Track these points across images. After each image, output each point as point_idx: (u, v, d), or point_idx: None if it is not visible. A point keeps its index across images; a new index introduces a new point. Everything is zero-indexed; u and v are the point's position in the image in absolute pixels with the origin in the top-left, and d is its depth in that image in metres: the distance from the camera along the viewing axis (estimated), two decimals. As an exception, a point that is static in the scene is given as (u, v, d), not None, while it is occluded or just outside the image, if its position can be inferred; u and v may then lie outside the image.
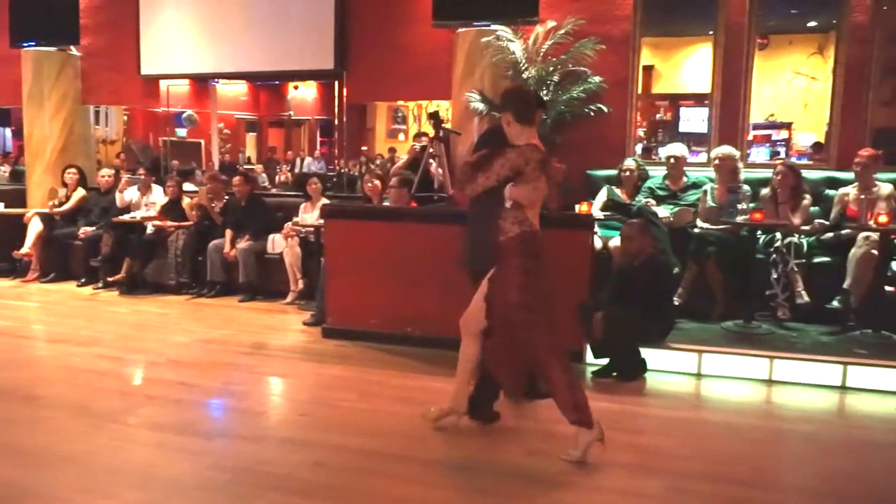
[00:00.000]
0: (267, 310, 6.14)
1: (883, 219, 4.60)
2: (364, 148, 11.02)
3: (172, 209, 6.96)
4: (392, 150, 11.36)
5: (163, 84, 8.47)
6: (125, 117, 12.48)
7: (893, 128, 6.07)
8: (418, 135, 9.54)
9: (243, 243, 6.50)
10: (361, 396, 3.98)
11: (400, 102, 11.73)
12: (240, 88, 12.73)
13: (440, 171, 5.94)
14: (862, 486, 3.00)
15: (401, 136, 12.43)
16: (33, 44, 7.99)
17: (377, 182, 6.22)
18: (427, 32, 6.60)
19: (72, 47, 8.05)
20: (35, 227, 7.26)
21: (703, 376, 4.39)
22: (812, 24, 7.62)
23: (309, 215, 6.39)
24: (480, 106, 5.99)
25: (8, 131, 13.15)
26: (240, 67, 8.06)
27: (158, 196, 7.24)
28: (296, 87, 12.73)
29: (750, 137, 6.52)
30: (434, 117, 5.24)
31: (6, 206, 7.58)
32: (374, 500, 2.76)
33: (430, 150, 5.70)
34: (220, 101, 10.55)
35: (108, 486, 2.82)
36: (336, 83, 7.71)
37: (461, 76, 6.28)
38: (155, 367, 4.52)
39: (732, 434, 3.54)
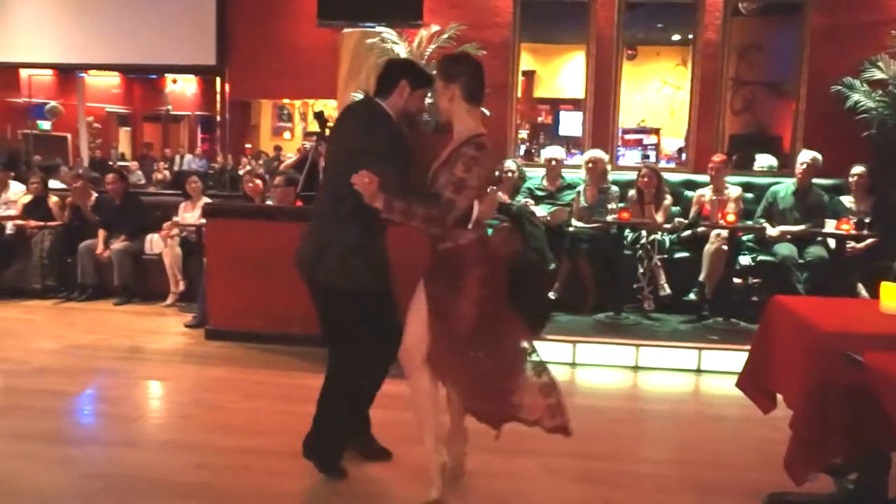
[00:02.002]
0: (145, 313, 5.93)
1: (731, 218, 5.11)
2: (248, 146, 10.80)
3: (37, 207, 6.54)
4: (278, 149, 11.20)
5: (23, 73, 7.92)
6: (-24, 108, 11.53)
7: (743, 135, 6.76)
8: (308, 134, 9.50)
9: (118, 244, 6.23)
10: (244, 397, 3.97)
11: (285, 101, 11.59)
12: (112, 80, 12.08)
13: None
14: (708, 453, 3.38)
15: (286, 135, 12.27)
16: None
17: (258, 181, 6.15)
18: (312, 31, 6.61)
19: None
20: None
21: (576, 365, 4.71)
22: (676, 37, 8.28)
23: (189, 214, 6.21)
24: (365, 107, 6.09)
25: None
26: (112, 59, 7.73)
27: (17, 193, 6.77)
28: (174, 82, 12.26)
29: (619, 143, 7.01)
30: (319, 117, 5.26)
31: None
32: (258, 498, 2.80)
33: (319, 148, 5.72)
34: (89, 92, 9.99)
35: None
36: (217, 79, 7.54)
37: (346, 76, 6.35)
38: (18, 375, 4.27)
39: (600, 416, 3.85)
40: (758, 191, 5.98)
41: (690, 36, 6.61)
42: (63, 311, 5.98)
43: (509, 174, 6.12)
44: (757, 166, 6.53)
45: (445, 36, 6.14)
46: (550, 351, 4.72)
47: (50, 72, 9.29)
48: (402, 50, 6.07)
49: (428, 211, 2.45)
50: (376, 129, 2.64)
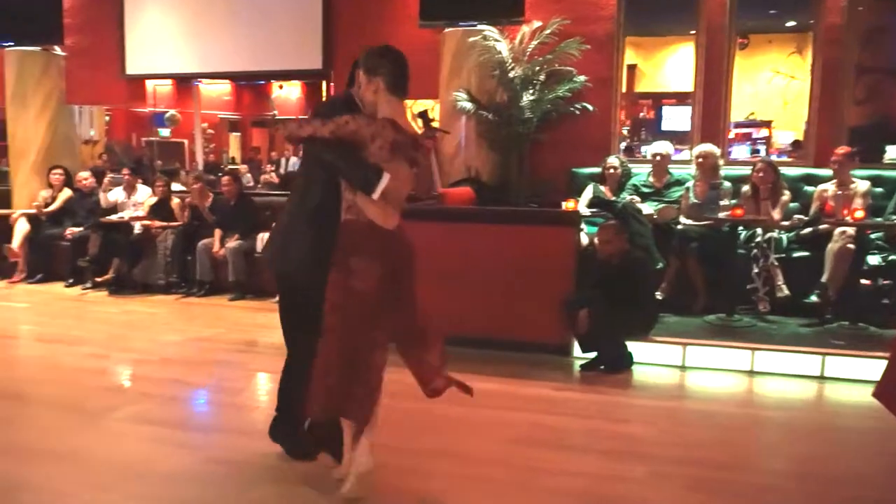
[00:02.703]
0: (256, 308, 6.21)
1: (859, 214, 4.77)
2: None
3: (161, 209, 7.00)
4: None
5: (149, 84, 8.49)
6: (107, 118, 12.45)
7: (868, 126, 6.27)
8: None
9: (232, 242, 6.57)
10: (392, 397, 4.06)
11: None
12: (223, 88, 12.75)
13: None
14: (831, 466, 3.16)
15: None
16: (12, 44, 7.97)
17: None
18: (413, 32, 6.70)
19: (56, 47, 8.04)
20: (21, 228, 7.27)
21: (687, 368, 4.54)
22: (791, 23, 7.83)
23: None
24: (468, 105, 6.12)
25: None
26: (225, 67, 8.12)
27: (144, 196, 7.27)
28: (280, 87, 12.79)
29: (731, 135, 6.69)
30: (423, 116, 5.31)
31: (-7, 207, 7.59)
32: (374, 491, 2.86)
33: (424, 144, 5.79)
34: (203, 100, 10.56)
35: (105, 480, 2.89)
36: (323, 83, 7.79)
37: (448, 76, 6.39)
38: (147, 365, 4.58)
39: (713, 422, 3.69)
40: (888, 185, 5.55)
41: (811, 21, 6.22)
42: (184, 306, 6.37)
43: (611, 170, 5.98)
44: (887, 158, 6.05)
45: (547, 31, 6.07)
46: (659, 353, 4.59)
47: (169, 82, 9.90)
48: (503, 47, 6.05)
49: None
50: (331, 109, 2.71)
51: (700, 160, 5.62)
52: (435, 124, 6.07)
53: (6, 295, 6.81)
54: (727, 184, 5.45)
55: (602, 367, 4.49)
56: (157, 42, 8.16)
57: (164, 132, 12.20)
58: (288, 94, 13.07)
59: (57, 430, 3.41)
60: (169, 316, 6.00)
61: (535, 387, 4.18)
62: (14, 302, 6.57)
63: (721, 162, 5.69)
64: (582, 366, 4.53)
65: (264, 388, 4.29)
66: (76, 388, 4.08)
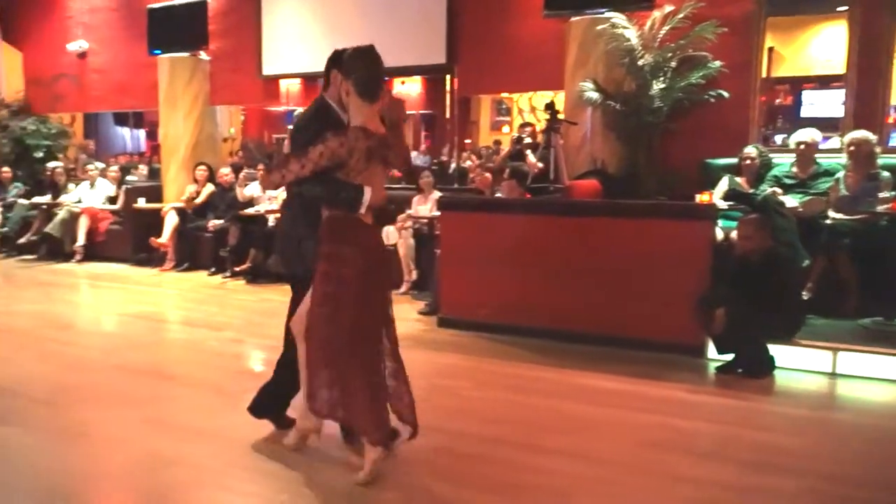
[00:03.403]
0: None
1: None
2: (468, 141, 11.13)
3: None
4: (497, 143, 11.42)
5: (282, 84, 8.91)
6: (242, 116, 13.22)
7: None
8: (523, 125, 9.56)
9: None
10: (478, 385, 4.07)
11: (504, 95, 11.76)
12: (349, 85, 13.17)
13: (539, 163, 5.92)
14: None
15: (505, 129, 12.47)
16: (159, 52, 8.62)
17: (487, 175, 6.28)
18: (538, 23, 6.58)
19: (201, 52, 8.61)
20: (171, 221, 7.85)
21: (838, 376, 4.16)
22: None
23: (422, 207, 6.55)
24: (594, 95, 5.93)
25: (142, 132, 14.25)
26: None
27: (279, 190, 7.62)
28: (403, 83, 13.03)
29: (891, 120, 6.07)
30: (550, 108, 5.22)
31: (147, 202, 8.24)
32: (494, 486, 2.83)
33: (556, 137, 5.67)
34: (330, 98, 10.97)
35: (247, 460, 3.04)
36: (447, 77, 7.83)
37: (574, 66, 6.22)
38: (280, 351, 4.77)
39: (869, 436, 3.36)
40: None
41: None
42: (314, 296, 6.61)
43: (748, 161, 5.59)
44: None
45: (680, 16, 5.76)
46: (806, 358, 4.24)
47: (298, 81, 10.32)
48: (632, 35, 5.81)
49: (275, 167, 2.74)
50: (306, 123, 2.92)
51: (852, 148, 5.12)
52: (560, 116, 5.96)
53: (157, 282, 7.37)
54: (886, 174, 4.94)
55: (740, 370, 4.21)
56: (289, 43, 8.53)
57: (293, 129, 12.78)
58: (409, 89, 13.29)
59: (203, 410, 3.63)
60: None
61: (666, 388, 3.99)
62: (164, 288, 7.09)
63: (878, 150, 5.16)
64: (717, 368, 4.26)
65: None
66: (219, 371, 4.34)
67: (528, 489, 2.80)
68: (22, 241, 8.60)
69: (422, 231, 6.50)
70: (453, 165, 9.20)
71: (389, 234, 6.71)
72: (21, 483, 2.83)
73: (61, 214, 8.37)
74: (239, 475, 2.92)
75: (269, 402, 3.30)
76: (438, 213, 5.64)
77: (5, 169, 9.30)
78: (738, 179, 5.57)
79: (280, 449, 3.14)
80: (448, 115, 8.40)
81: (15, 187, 9.10)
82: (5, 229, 8.75)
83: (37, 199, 8.85)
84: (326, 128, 2.73)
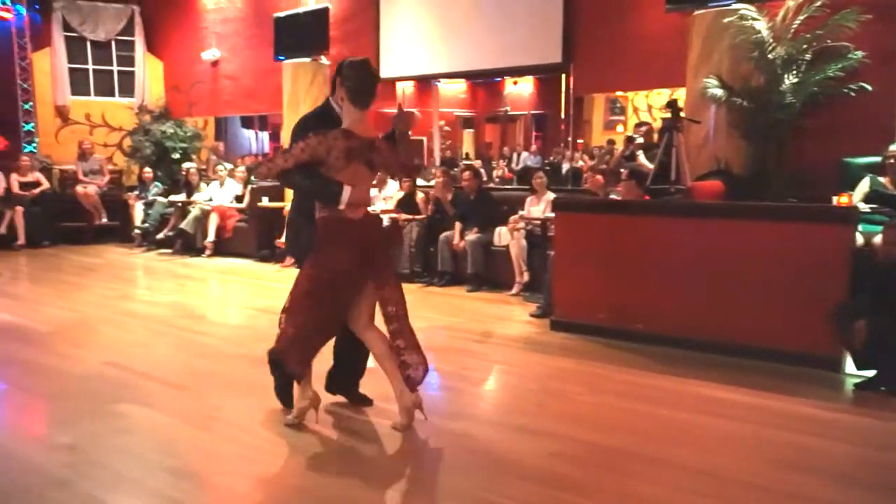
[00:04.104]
0: (493, 300, 6.34)
1: None
2: (580, 141, 10.90)
3: (407, 203, 7.47)
4: (610, 143, 11.11)
5: (398, 86, 9.11)
6: (357, 119, 13.63)
7: None
8: (638, 125, 9.24)
9: (471, 235, 6.78)
10: (590, 390, 3.97)
11: (618, 93, 11.44)
12: (459, 87, 13.25)
13: (649, 163, 5.65)
14: None
15: (619, 128, 12.12)
16: (283, 58, 9.03)
17: (599, 176, 6.13)
18: (659, 18, 6.35)
19: (322, 57, 8.96)
20: (292, 220, 8.21)
21: None
22: None
23: (535, 208, 6.48)
24: (718, 91, 5.64)
25: (265, 135, 15.05)
26: (464, 67, 8.42)
27: (393, 190, 7.80)
28: (515, 83, 12.97)
29: None
30: (671, 106, 5.01)
31: (269, 200, 8.67)
32: (610, 496, 2.74)
33: (678, 136, 5.45)
34: (441, 99, 11.07)
35: (362, 453, 3.11)
36: (563, 76, 7.72)
37: (697, 61, 5.94)
38: (396, 348, 4.86)
39: None
40: None
41: None
42: (426, 295, 6.72)
43: (893, 160, 5.11)
44: None
45: (818, 3, 5.36)
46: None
47: (412, 83, 10.51)
48: (763, 26, 5.47)
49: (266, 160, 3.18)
50: (308, 122, 3.22)
51: None
52: (682, 114, 5.71)
53: (278, 278, 7.71)
54: None
55: (882, 387, 3.85)
56: (405, 47, 8.73)
57: (407, 130, 13.02)
58: (520, 90, 13.21)
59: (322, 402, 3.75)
60: (413, 303, 6.08)
61: (797, 403, 3.71)
62: (284, 284, 7.24)
63: None
64: (856, 384, 3.93)
65: (501, 379, 4.35)
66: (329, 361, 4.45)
67: (646, 502, 2.69)
68: (160, 236, 9.30)
69: (534, 232, 6.44)
70: (566, 166, 9.05)
71: (501, 234, 6.70)
72: (155, 458, 3.04)
73: (194, 212, 8.98)
74: (349, 465, 2.99)
75: (342, 382, 3.63)
76: (552, 215, 5.56)
77: (147, 170, 10.09)
78: (882, 180, 5.12)
79: (390, 443, 3.19)
80: (562, 115, 8.26)
81: (155, 186, 9.84)
82: (146, 225, 9.49)
83: (173, 198, 9.53)
84: (326, 128, 3.02)
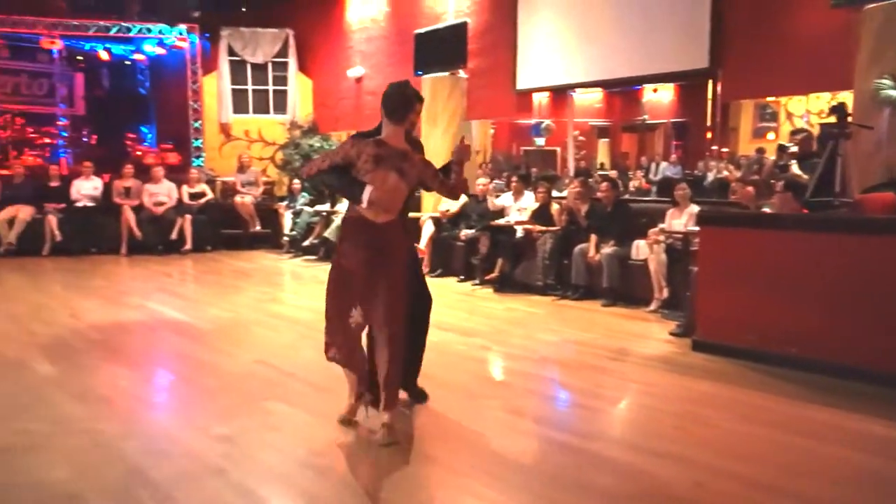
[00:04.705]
0: (629, 316, 6.10)
1: None
2: (725, 150, 10.27)
3: (542, 214, 7.36)
4: (760, 151, 10.36)
5: (534, 97, 9.06)
6: (491, 130, 13.69)
7: None
8: (795, 132, 8.54)
9: (608, 248, 6.56)
10: (736, 418, 3.68)
11: (769, 99, 10.67)
12: (594, 96, 12.94)
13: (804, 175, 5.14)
14: None
15: (770, 135, 11.28)
16: (421, 73, 9.25)
17: (750, 188, 5.70)
18: (823, 15, 5.82)
19: (460, 70, 9.09)
20: (428, 229, 8.37)
21: None
22: None
23: (677, 221, 6.15)
24: (894, 93, 5.06)
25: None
26: (602, 76, 8.21)
27: (528, 202, 7.73)
28: (655, 91, 12.48)
29: None
30: (838, 110, 4.55)
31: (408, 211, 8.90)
32: None
33: (841, 146, 4.97)
34: (576, 108, 10.85)
35: (493, 467, 3.06)
36: (709, 82, 7.32)
37: (867, 61, 5.38)
38: (526, 361, 4.80)
39: None
40: None
41: None
42: (559, 308, 6.57)
43: None
44: None
45: None
46: None
47: (546, 94, 10.41)
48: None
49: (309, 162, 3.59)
50: (366, 133, 3.55)
51: None
52: (851, 119, 5.19)
53: (415, 285, 7.89)
54: None
55: None
56: (542, 58, 8.65)
57: (539, 141, 12.93)
58: (660, 97, 12.69)
59: (453, 412, 3.74)
60: (546, 316, 6.25)
61: None
62: (420, 291, 7.55)
63: None
64: None
65: (640, 400, 4.13)
66: (467, 374, 4.47)
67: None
68: (306, 243, 9.82)
69: (675, 246, 6.11)
70: (710, 176, 8.55)
71: (639, 248, 6.43)
72: (300, 455, 3.17)
73: (337, 221, 9.39)
74: (481, 479, 2.94)
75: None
76: (695, 228, 5.24)
77: (296, 181, 10.72)
78: None
79: (522, 459, 3.12)
80: (708, 123, 7.84)
81: (302, 197, 10.43)
82: (294, 233, 10.06)
83: (319, 208, 10.05)
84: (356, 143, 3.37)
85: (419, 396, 3.80)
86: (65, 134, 14.05)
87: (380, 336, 3.35)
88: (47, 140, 13.93)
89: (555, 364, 4.74)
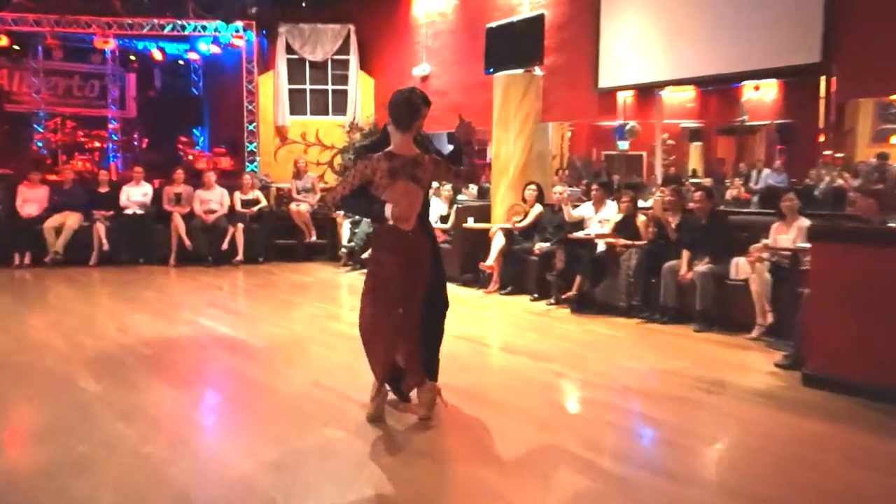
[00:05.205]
0: (726, 343, 5.93)
1: None
2: (839, 155, 9.87)
3: (626, 226, 7.26)
4: (881, 157, 9.91)
5: (619, 96, 8.97)
6: (569, 133, 13.59)
7: None
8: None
9: (702, 266, 6.40)
10: (850, 463, 3.56)
11: (893, 97, 10.21)
12: (686, 95, 12.69)
13: None
14: None
15: (894, 139, 10.77)
16: (492, 71, 9.28)
17: (872, 199, 5.47)
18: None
19: (536, 68, 9.08)
20: (498, 242, 8.37)
21: None
22: None
23: (784, 236, 5.96)
24: None
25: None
26: (697, 72, 8.09)
27: (610, 212, 7.64)
28: (756, 89, 12.14)
29: None
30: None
31: (475, 221, 8.94)
32: None
33: None
34: (665, 109, 10.66)
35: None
36: (822, 78, 7.08)
37: None
38: (609, 391, 4.72)
39: None
40: None
41: None
42: (645, 332, 6.45)
43: None
44: None
45: None
46: None
47: (631, 92, 10.28)
48: None
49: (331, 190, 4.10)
50: (372, 144, 4.18)
51: None
52: None
53: (481, 304, 7.90)
54: None
55: None
56: (628, 54, 8.56)
57: (623, 145, 12.75)
58: (761, 96, 12.33)
59: (524, 443, 3.73)
60: (629, 341, 6.15)
61: None
62: (488, 311, 7.57)
63: None
64: None
65: (740, 440, 3.99)
66: (539, 403, 4.44)
67: None
68: (365, 255, 9.98)
69: (781, 265, 5.91)
70: (821, 185, 8.22)
71: (739, 266, 6.25)
72: (357, 486, 3.21)
73: (398, 232, 9.53)
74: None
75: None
76: (806, 245, 5.07)
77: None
78: None
79: (600, 502, 3.05)
80: (819, 125, 7.57)
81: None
82: (352, 244, 10.24)
83: (379, 217, 10.20)
84: (377, 152, 3.80)
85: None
86: (115, 137, 14.82)
87: (410, 325, 3.87)
88: (97, 144, 14.72)
89: (639, 395, 4.66)
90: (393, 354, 3.90)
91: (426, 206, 4.05)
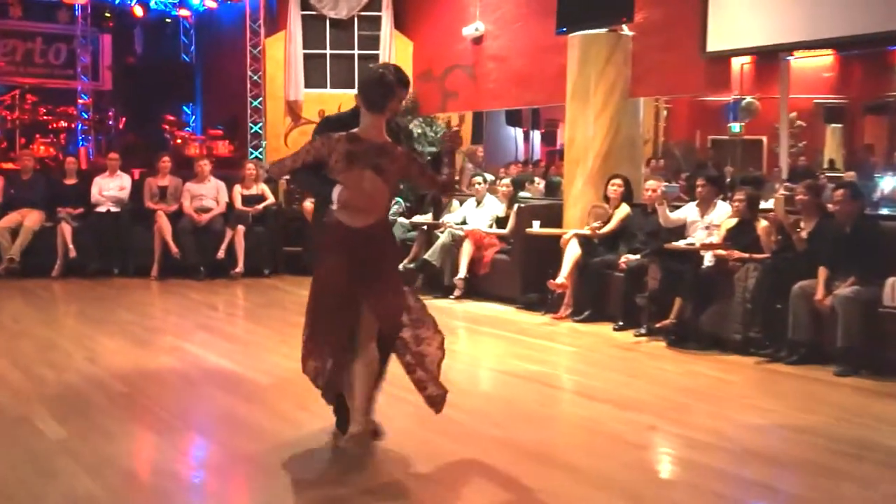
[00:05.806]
0: (876, 392, 5.84)
1: None
2: None
3: (742, 233, 7.13)
4: None
5: (734, 63, 8.84)
6: (665, 111, 13.46)
7: None
8: None
9: (845, 288, 6.27)
10: None
11: None
12: (822, 61, 12.45)
13: None
14: None
15: None
16: (566, 31, 9.22)
17: None
18: None
19: (623, 26, 9.00)
20: (572, 253, 8.29)
21: None
22: None
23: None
24: None
25: (537, 135, 15.54)
26: (836, 32, 7.94)
27: (721, 215, 7.52)
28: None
29: None
30: None
31: (542, 225, 8.85)
32: None
33: None
34: (793, 80, 10.46)
35: None
36: None
37: None
38: (720, 453, 4.64)
39: None
40: None
41: None
42: (769, 375, 6.36)
43: None
44: None
45: None
46: None
47: (749, 59, 10.12)
48: None
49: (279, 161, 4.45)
50: (336, 120, 4.62)
51: None
52: None
53: (550, 333, 7.85)
54: None
55: None
56: (745, 7, 8.43)
57: (736, 128, 12.59)
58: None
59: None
60: (747, 387, 6.08)
61: None
62: (558, 343, 7.52)
63: None
64: None
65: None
66: (628, 469, 4.37)
67: None
68: (399, 268, 9.99)
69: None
70: None
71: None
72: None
73: (442, 238, 9.50)
74: None
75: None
76: None
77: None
78: None
79: None
80: None
81: (395, 204, 10.58)
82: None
83: (417, 219, 10.20)
84: (345, 130, 4.06)
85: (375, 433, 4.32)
86: (86, 116, 15.13)
87: (368, 349, 4.12)
88: (63, 123, 15.03)
89: (763, 460, 4.56)
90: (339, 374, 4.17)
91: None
